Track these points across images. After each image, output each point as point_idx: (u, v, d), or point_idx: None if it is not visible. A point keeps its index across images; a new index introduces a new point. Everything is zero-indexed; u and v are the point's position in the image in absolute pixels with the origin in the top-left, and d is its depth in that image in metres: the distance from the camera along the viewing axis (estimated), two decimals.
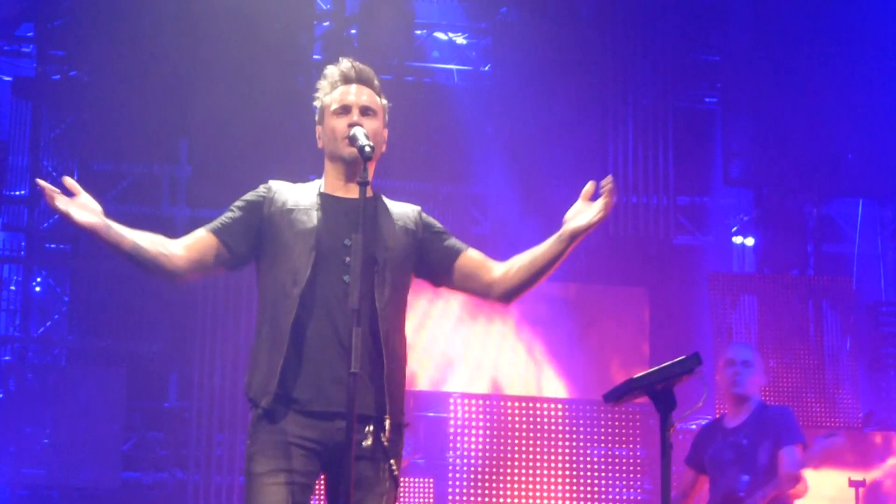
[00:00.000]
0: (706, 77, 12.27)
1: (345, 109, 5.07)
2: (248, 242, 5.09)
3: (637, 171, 11.42)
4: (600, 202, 5.03)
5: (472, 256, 5.28)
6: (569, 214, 5.10)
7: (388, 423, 4.95)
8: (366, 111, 5.09)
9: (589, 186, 5.08)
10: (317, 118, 5.25)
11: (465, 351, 10.96)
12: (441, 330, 10.74)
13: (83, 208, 4.79)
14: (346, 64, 5.17)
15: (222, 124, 10.39)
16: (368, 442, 4.90)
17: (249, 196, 5.16)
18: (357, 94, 5.11)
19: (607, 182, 5.01)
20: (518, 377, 11.08)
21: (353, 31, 11.40)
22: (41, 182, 4.79)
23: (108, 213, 11.12)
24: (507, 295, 5.27)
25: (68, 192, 4.78)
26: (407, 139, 9.00)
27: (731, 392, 7.89)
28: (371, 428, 4.91)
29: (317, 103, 5.24)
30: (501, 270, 5.23)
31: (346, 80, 5.16)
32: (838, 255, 12.41)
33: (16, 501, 10.58)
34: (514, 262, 5.22)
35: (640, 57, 11.55)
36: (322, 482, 5.09)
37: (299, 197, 5.14)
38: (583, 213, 5.08)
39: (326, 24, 11.54)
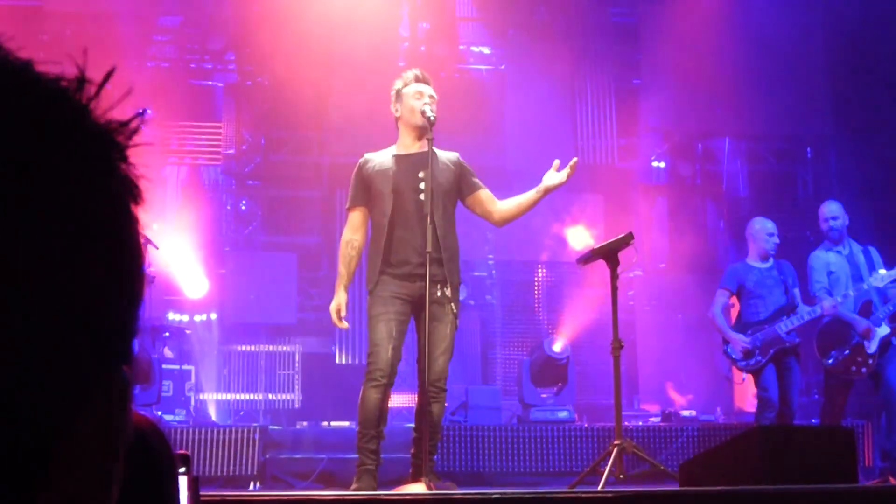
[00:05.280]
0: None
1: (420, 95, 5.36)
2: (367, 198, 5.42)
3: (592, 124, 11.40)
4: (566, 172, 5.27)
5: (483, 195, 5.49)
6: (545, 177, 5.32)
7: (450, 283, 5.29)
8: (432, 98, 5.40)
9: (557, 162, 5.30)
10: (394, 99, 5.44)
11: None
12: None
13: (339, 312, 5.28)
14: (418, 70, 5.50)
15: (349, 106, 10.41)
16: (439, 294, 5.23)
17: (355, 174, 5.46)
18: (427, 88, 5.41)
19: (574, 162, 5.27)
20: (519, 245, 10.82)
21: (423, 48, 11.28)
22: (334, 319, 5.27)
23: (280, 162, 11.24)
24: (501, 223, 5.55)
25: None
26: (453, 111, 9.02)
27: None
28: (439, 286, 5.24)
29: (395, 90, 5.44)
30: (499, 207, 5.48)
31: (419, 80, 5.45)
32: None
33: None
34: (507, 203, 5.47)
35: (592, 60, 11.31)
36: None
37: (382, 160, 5.41)
38: (554, 177, 5.30)
39: (405, 44, 11.45)
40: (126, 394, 0.64)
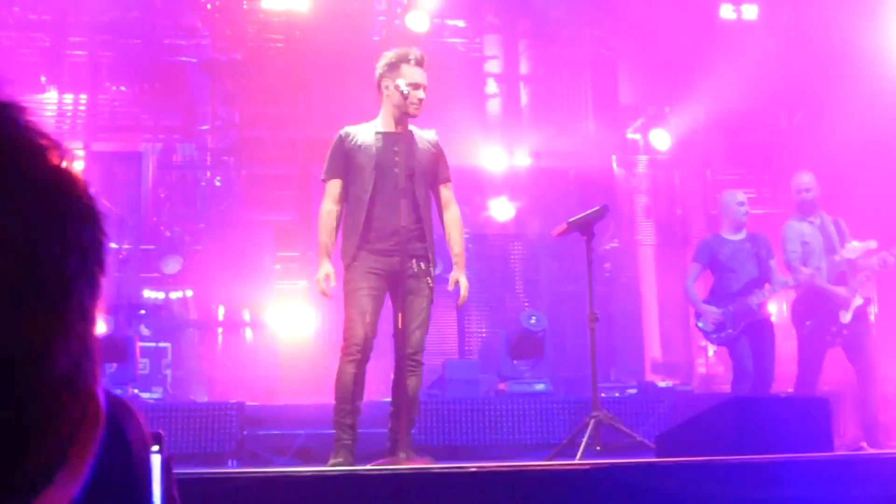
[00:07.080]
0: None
1: (416, 86, 5.35)
2: (346, 170, 5.43)
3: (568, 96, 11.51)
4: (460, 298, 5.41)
5: (444, 194, 5.54)
6: (454, 281, 5.43)
7: (425, 259, 5.38)
8: (424, 89, 5.40)
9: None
10: (387, 69, 5.38)
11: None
12: None
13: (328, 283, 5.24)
14: (419, 52, 5.46)
15: (325, 81, 10.35)
16: (416, 269, 5.31)
17: (335, 145, 5.46)
18: (424, 77, 5.40)
19: (462, 300, 5.43)
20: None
21: (397, 22, 11.13)
22: (322, 287, 5.21)
23: (255, 138, 11.11)
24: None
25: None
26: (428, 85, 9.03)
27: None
28: (415, 261, 5.31)
29: (390, 62, 5.37)
30: (444, 217, 5.54)
31: (419, 63, 5.43)
32: None
33: None
34: (446, 223, 5.52)
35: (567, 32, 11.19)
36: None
37: (364, 135, 5.42)
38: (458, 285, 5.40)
39: (381, 17, 11.37)
40: (91, 343, 0.66)
